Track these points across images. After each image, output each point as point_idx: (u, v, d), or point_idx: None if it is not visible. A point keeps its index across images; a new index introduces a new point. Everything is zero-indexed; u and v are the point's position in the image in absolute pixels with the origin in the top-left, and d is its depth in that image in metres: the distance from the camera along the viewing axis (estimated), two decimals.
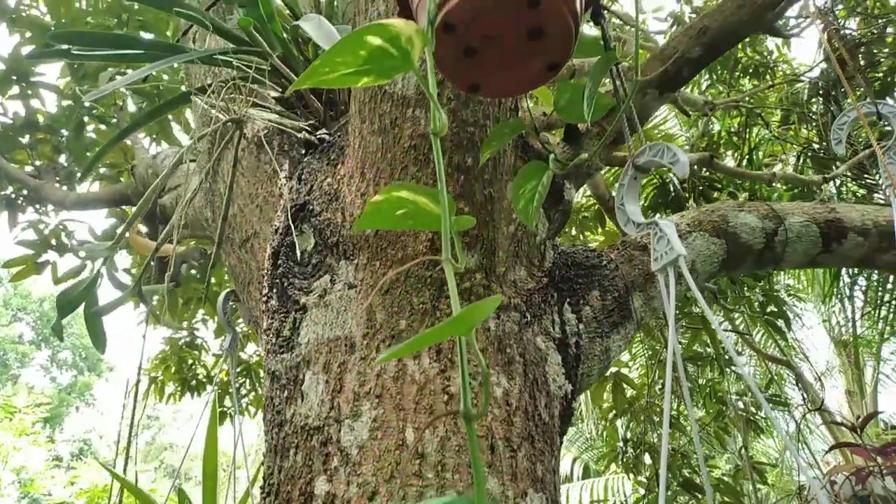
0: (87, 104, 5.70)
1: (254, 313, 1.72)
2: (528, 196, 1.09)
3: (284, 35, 2.10)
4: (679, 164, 0.94)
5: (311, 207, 1.45)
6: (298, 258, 1.42)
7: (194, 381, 6.12)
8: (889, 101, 1.34)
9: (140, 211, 1.89)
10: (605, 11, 1.14)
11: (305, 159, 1.70)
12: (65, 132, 5.98)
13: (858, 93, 6.19)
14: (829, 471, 1.56)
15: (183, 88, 3.39)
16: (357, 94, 1.46)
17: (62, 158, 6.22)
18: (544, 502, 1.18)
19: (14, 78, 5.59)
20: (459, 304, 1.13)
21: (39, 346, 27.05)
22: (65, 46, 2.07)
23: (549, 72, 1.08)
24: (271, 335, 1.41)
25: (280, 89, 2.26)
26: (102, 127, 5.78)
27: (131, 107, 5.85)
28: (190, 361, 6.12)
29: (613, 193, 5.02)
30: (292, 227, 1.43)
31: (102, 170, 5.87)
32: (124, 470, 2.14)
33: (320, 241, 1.40)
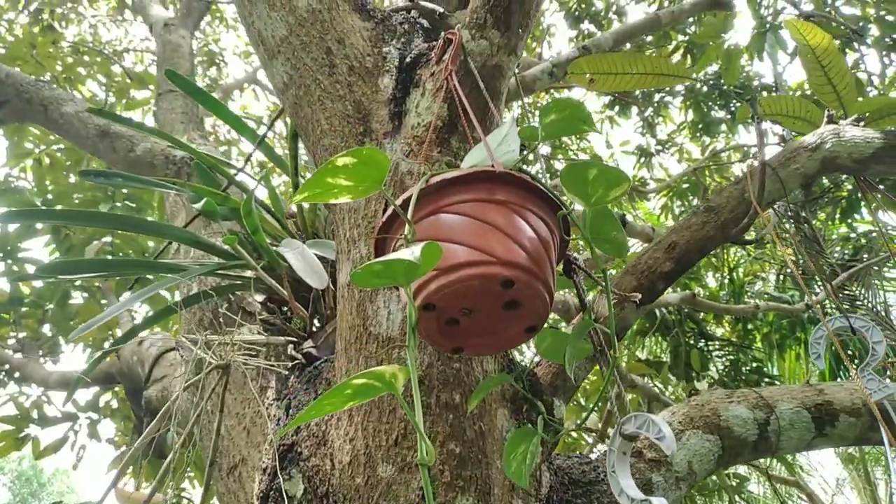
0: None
1: None
2: (520, 458, 1.09)
3: (268, 243, 2.16)
4: (665, 440, 0.94)
5: (298, 449, 1.43)
6: None
7: None
8: (860, 318, 1.39)
9: (128, 462, 1.85)
10: (576, 266, 1.19)
11: (292, 382, 1.70)
12: (49, 305, 5.99)
13: (827, 211, 6.41)
14: None
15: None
16: (343, 333, 1.48)
17: (45, 328, 6.19)
18: None
19: (0, 255, 5.65)
20: None
21: None
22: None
23: (526, 334, 1.12)
24: None
25: (265, 295, 2.29)
26: (86, 295, 5.80)
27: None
28: None
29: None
30: (279, 473, 1.40)
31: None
32: None
33: (309, 489, 1.37)
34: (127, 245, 5.56)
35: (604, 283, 1.04)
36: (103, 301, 5.81)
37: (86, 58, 6.61)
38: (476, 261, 1.01)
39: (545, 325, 1.13)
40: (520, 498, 1.40)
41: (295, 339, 2.01)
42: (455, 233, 1.04)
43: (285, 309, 2.29)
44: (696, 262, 1.92)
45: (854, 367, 1.39)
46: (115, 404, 6.24)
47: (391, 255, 0.83)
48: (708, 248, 1.76)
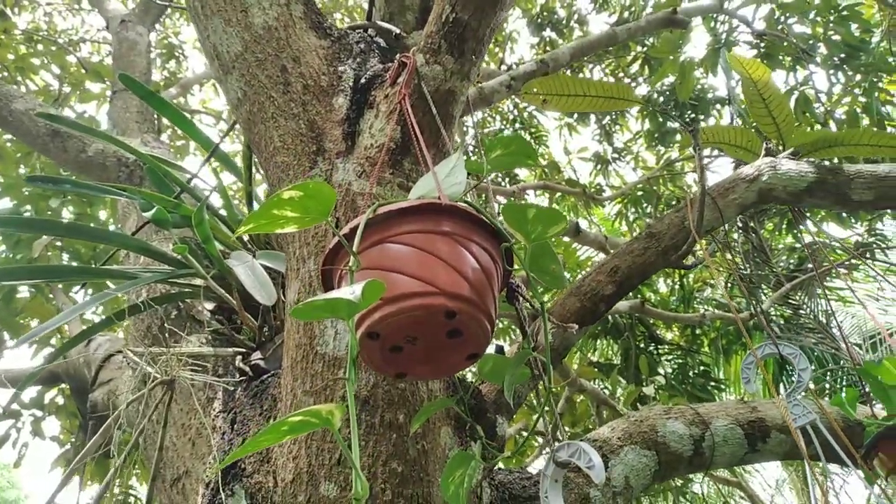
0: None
1: None
2: (458, 482, 1.12)
3: (218, 253, 2.16)
4: (594, 468, 0.99)
5: (242, 466, 1.44)
6: None
7: None
8: (787, 344, 1.46)
9: (78, 464, 1.83)
10: (519, 294, 1.24)
11: (238, 395, 1.71)
12: None
13: (775, 221, 6.62)
14: None
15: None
16: (290, 351, 1.50)
17: None
18: None
19: None
20: None
21: None
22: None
23: (468, 360, 1.15)
24: None
25: (215, 303, 2.29)
26: (34, 291, 5.66)
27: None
28: None
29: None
30: (222, 489, 1.41)
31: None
32: None
33: None
34: (77, 242, 5.44)
35: (542, 313, 1.08)
36: (51, 296, 5.68)
37: (40, 47, 6.43)
38: (421, 292, 1.04)
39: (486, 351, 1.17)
40: None
41: (243, 351, 2.01)
42: (401, 263, 1.07)
43: (234, 318, 2.29)
44: (637, 286, 1.99)
45: (780, 394, 1.47)
46: (60, 401, 6.10)
47: (333, 293, 0.85)
48: (649, 273, 1.83)
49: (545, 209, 1.00)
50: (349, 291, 0.84)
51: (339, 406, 0.82)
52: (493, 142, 1.12)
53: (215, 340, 2.11)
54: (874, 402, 1.77)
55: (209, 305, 2.34)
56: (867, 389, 1.55)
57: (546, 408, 1.13)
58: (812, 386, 1.64)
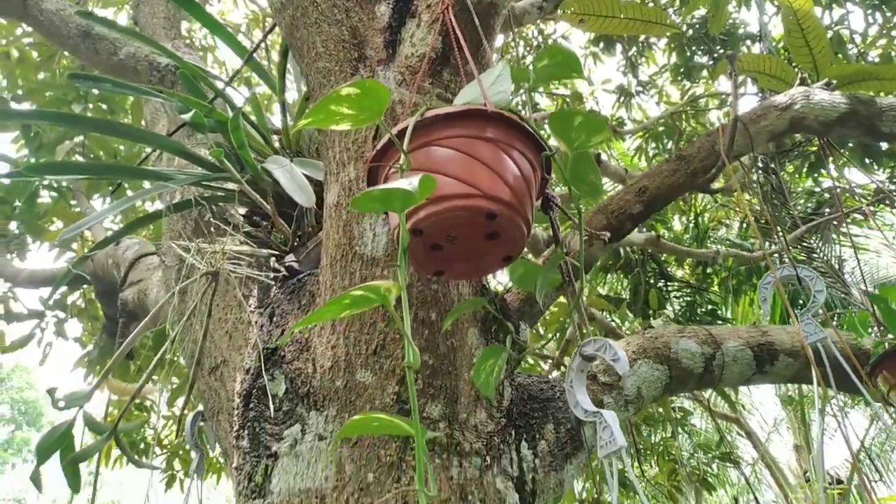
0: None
1: (223, 443, 1.79)
2: (488, 371, 1.21)
3: (253, 159, 2.21)
4: (619, 362, 1.07)
5: (282, 353, 1.54)
6: (270, 404, 1.50)
7: (143, 445, 6.02)
8: (807, 268, 1.51)
9: (118, 359, 1.94)
10: (553, 204, 1.29)
11: (274, 292, 1.80)
12: (17, 202, 5.92)
13: (796, 164, 6.59)
14: None
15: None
16: (329, 250, 1.57)
17: (13, 226, 6.14)
18: None
19: None
20: (425, 456, 1.24)
21: None
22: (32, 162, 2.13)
23: (504, 262, 1.22)
24: (243, 477, 1.48)
25: (248, 209, 2.36)
26: (55, 195, 5.75)
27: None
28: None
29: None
30: (264, 372, 1.51)
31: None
32: None
33: (291, 389, 1.49)
34: (98, 147, 5.49)
35: (578, 220, 1.14)
36: (73, 202, 5.77)
37: None
38: (463, 193, 1.10)
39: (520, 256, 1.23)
40: (483, 408, 1.54)
41: (277, 253, 2.09)
42: (445, 166, 1.13)
43: (266, 224, 2.36)
44: (664, 207, 2.04)
45: (796, 313, 1.54)
46: (82, 304, 6.28)
47: (391, 184, 0.91)
48: (676, 194, 1.87)
49: (591, 117, 1.05)
50: (406, 183, 0.90)
51: (395, 284, 0.89)
52: (542, 52, 1.15)
53: (248, 244, 2.19)
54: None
55: (242, 210, 2.42)
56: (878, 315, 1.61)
57: (575, 310, 1.21)
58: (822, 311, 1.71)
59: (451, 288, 1.54)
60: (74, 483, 1.59)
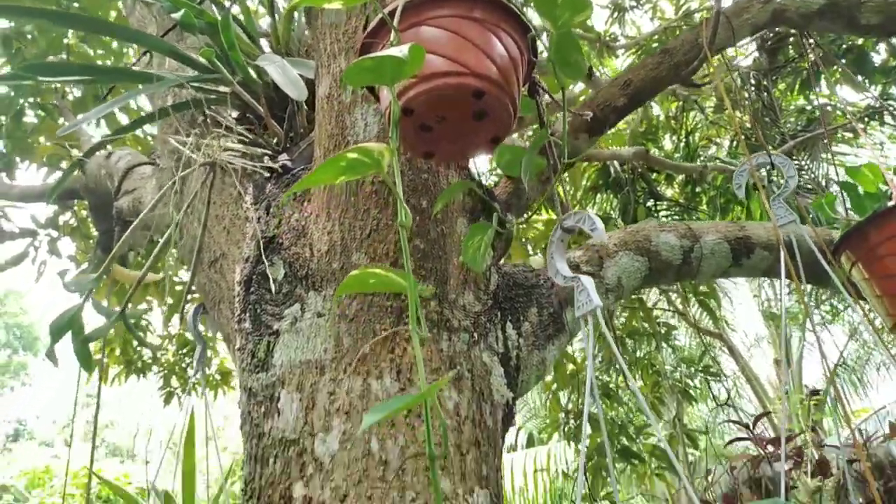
0: (26, 91, 5.60)
1: (225, 330, 1.88)
2: (476, 247, 1.29)
3: (244, 60, 2.22)
4: (597, 231, 1.14)
5: (279, 241, 1.61)
6: (270, 286, 1.59)
7: (139, 363, 6.18)
8: (781, 155, 1.57)
9: (124, 245, 2.01)
10: (540, 88, 1.34)
11: (269, 188, 1.86)
12: (3, 119, 5.85)
13: (788, 81, 6.58)
14: (730, 459, 1.84)
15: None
16: (322, 141, 1.62)
17: (0, 145, 6.09)
18: (489, 498, 1.40)
19: None
20: (418, 303, 1.34)
21: None
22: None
23: (491, 143, 1.28)
24: (246, 355, 1.58)
25: (240, 112, 2.38)
26: (41, 113, 5.69)
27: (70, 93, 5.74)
28: (134, 344, 6.14)
29: None
30: (264, 258, 1.59)
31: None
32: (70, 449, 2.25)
33: (290, 273, 1.57)
34: (83, 60, 5.39)
35: (563, 99, 1.20)
36: (61, 120, 5.71)
37: None
38: (452, 71, 1.15)
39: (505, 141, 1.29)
40: (471, 291, 1.64)
41: (270, 153, 2.14)
42: (435, 45, 1.17)
43: (258, 126, 2.40)
44: (648, 100, 2.09)
45: (768, 197, 1.62)
46: (74, 223, 6.30)
47: (382, 52, 0.96)
48: (660, 88, 1.92)
49: None
50: (397, 50, 0.95)
51: (387, 148, 0.95)
52: None
53: (243, 144, 2.22)
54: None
55: (234, 114, 2.44)
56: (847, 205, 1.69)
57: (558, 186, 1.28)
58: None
59: (441, 178, 1.61)
60: (86, 362, 1.69)
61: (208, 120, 2.44)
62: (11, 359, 27.17)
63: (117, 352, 6.15)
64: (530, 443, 11.75)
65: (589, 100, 1.90)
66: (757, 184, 1.49)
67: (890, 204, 1.40)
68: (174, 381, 6.25)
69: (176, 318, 5.88)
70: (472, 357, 1.56)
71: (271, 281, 1.58)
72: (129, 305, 1.85)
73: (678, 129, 7.71)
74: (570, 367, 6.10)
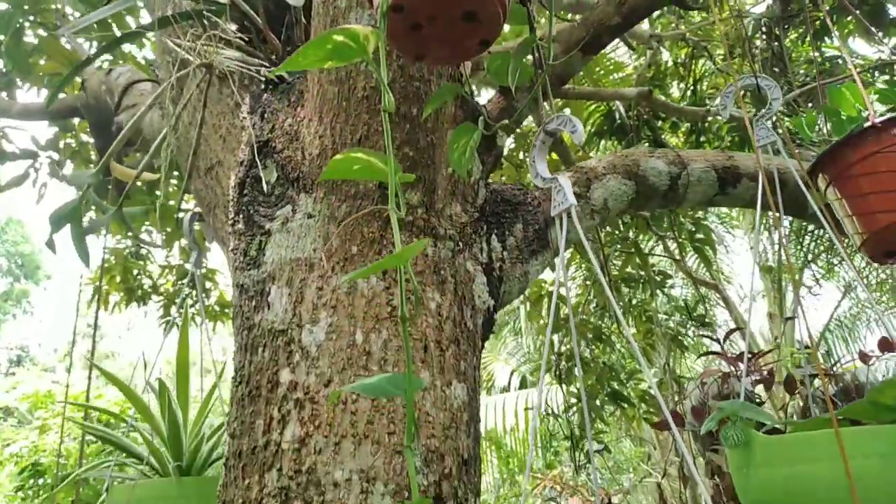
0: (25, 9, 5.53)
1: (220, 234, 1.94)
2: (461, 150, 1.32)
3: None
4: (577, 133, 1.18)
5: (273, 145, 1.65)
6: (263, 189, 1.63)
7: (140, 292, 6.25)
8: (766, 78, 1.57)
9: (120, 143, 2.04)
10: None
11: (265, 97, 1.88)
12: (1, 37, 5.78)
13: (800, 31, 6.50)
14: (700, 375, 1.92)
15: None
16: None
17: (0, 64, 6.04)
18: (466, 391, 1.48)
19: None
20: (403, 235, 1.41)
21: None
22: None
23: (481, 46, 1.30)
24: (239, 254, 1.64)
25: (238, 24, 2.38)
26: (42, 32, 5.63)
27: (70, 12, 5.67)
28: (135, 272, 6.21)
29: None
30: (258, 162, 1.63)
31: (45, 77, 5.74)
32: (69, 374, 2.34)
33: (282, 176, 1.61)
34: None
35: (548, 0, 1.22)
36: (64, 41, 5.65)
37: None
38: None
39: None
40: (458, 202, 1.68)
41: (268, 64, 2.16)
42: None
43: (256, 38, 2.40)
44: (641, 20, 2.09)
45: (751, 118, 1.65)
46: (75, 146, 6.30)
47: None
48: (654, 7, 1.92)
49: None
50: None
51: (374, 32, 0.98)
52: None
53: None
54: None
55: (233, 26, 2.45)
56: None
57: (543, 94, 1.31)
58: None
59: (433, 85, 1.63)
60: (83, 253, 1.75)
61: (207, 30, 2.44)
62: (13, 286, 27.42)
63: (118, 279, 6.23)
64: (523, 385, 12.01)
65: (584, 18, 1.91)
66: (740, 102, 1.51)
67: (866, 125, 1.43)
68: (174, 311, 6.34)
69: (175, 249, 5.93)
70: (457, 264, 1.62)
71: (264, 183, 1.63)
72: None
73: (686, 76, 7.63)
74: (564, 310, 6.16)
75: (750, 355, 1.66)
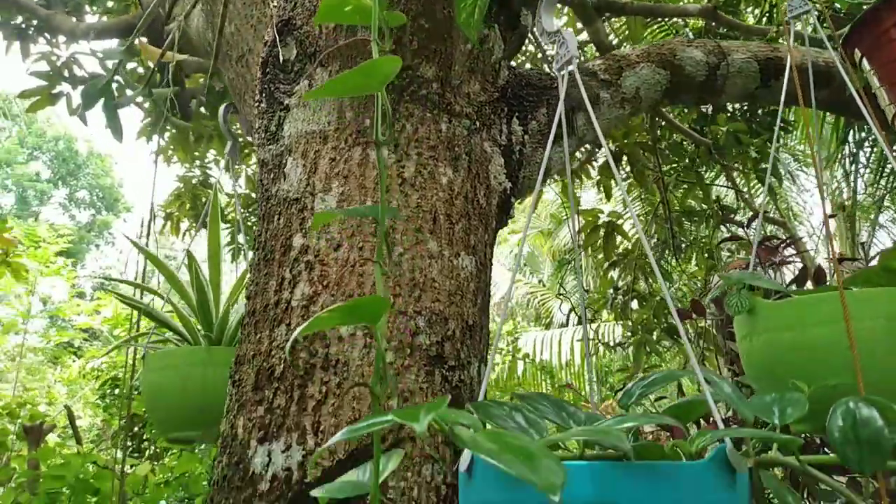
0: None
1: (249, 118, 1.98)
2: (469, 10, 1.30)
3: None
4: None
5: (294, 21, 1.66)
6: (284, 66, 1.65)
7: (208, 219, 6.47)
8: None
9: (149, 18, 2.10)
10: None
11: None
12: None
13: None
14: (727, 265, 1.86)
15: None
16: None
17: None
18: (474, 263, 1.49)
19: None
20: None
21: (57, 184, 27.58)
22: None
23: None
24: (261, 131, 1.68)
25: None
26: None
27: None
28: (203, 199, 6.43)
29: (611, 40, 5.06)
30: (278, 40, 1.65)
31: (110, 3, 5.89)
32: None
33: (300, 51, 1.63)
34: None
35: None
36: None
37: None
38: None
39: None
40: (477, 81, 1.66)
41: None
42: None
43: None
44: None
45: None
46: (140, 71, 6.46)
47: None
48: None
49: None
50: None
51: None
52: None
53: None
54: None
55: None
56: None
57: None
58: None
59: None
60: (113, 124, 1.83)
61: None
62: (95, 218, 28.81)
63: (188, 206, 6.45)
64: (580, 320, 12.01)
65: None
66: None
67: None
68: (241, 238, 6.55)
69: (242, 179, 6.06)
70: (472, 143, 1.61)
71: (284, 61, 1.64)
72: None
73: (762, 1, 7.20)
74: (622, 243, 6.07)
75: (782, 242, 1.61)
